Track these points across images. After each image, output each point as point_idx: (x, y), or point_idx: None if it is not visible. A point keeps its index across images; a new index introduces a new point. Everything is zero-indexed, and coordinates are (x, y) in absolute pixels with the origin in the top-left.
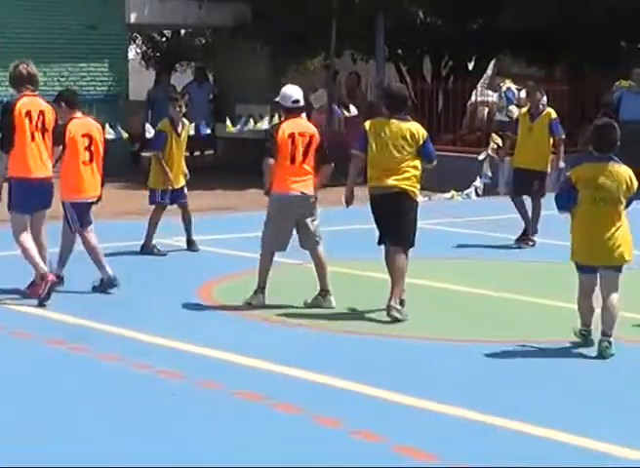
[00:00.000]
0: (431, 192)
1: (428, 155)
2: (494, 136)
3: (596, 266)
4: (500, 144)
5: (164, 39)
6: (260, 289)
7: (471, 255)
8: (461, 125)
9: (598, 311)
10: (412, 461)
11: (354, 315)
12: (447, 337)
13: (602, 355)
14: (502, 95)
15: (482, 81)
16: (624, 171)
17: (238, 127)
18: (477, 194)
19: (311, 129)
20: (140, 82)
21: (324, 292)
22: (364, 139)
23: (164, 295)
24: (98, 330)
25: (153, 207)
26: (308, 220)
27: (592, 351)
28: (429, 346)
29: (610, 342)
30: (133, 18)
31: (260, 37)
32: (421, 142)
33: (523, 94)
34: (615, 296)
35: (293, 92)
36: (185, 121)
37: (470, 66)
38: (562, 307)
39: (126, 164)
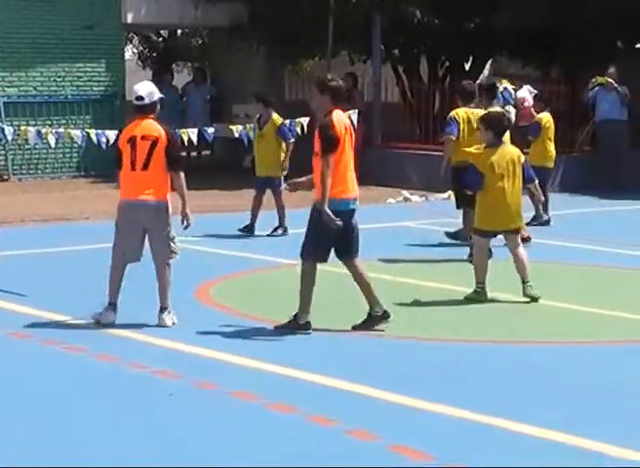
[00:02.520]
0: (428, 192)
1: None
2: None
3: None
4: None
5: (160, 39)
6: (111, 305)
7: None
8: None
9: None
10: (407, 461)
11: (349, 315)
12: (442, 338)
13: (534, 298)
14: (499, 95)
15: (479, 81)
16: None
17: (240, 129)
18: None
19: (156, 131)
20: (137, 82)
21: (163, 308)
22: (457, 126)
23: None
24: (94, 330)
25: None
26: (155, 232)
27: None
28: (424, 346)
29: (531, 285)
30: (129, 18)
31: (257, 37)
32: None
33: (520, 94)
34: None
35: (139, 87)
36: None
37: (467, 66)
38: (560, 308)
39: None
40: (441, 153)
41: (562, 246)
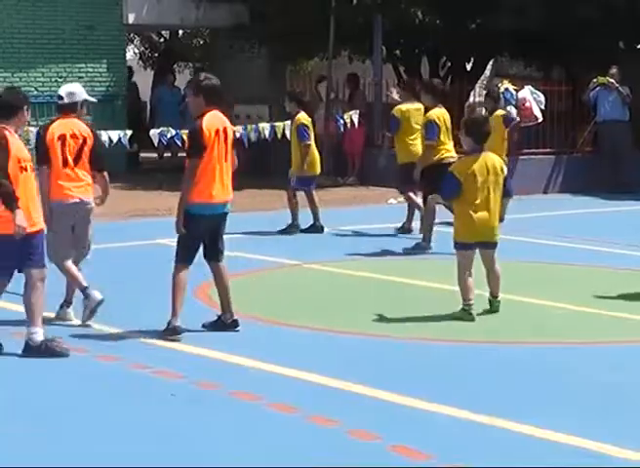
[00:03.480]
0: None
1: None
2: None
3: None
4: None
5: (162, 40)
6: (67, 302)
7: None
8: (459, 125)
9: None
10: (407, 461)
11: (352, 315)
12: (443, 338)
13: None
14: (500, 95)
15: (480, 82)
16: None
17: (241, 130)
18: None
19: (85, 130)
20: (138, 83)
21: (67, 302)
22: (437, 129)
23: (161, 295)
24: (95, 330)
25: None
26: (82, 227)
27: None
28: (425, 346)
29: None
30: (131, 18)
31: (258, 37)
32: None
33: (521, 94)
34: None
35: (63, 87)
36: None
37: (468, 67)
38: (561, 308)
39: (123, 164)
40: None
41: (563, 246)
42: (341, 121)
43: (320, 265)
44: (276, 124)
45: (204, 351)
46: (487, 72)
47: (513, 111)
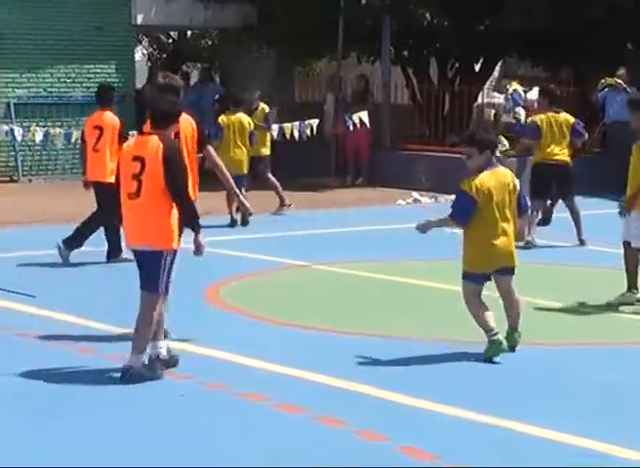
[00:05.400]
0: (438, 194)
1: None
2: (501, 137)
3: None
4: (508, 146)
5: (170, 40)
6: None
7: None
8: (468, 126)
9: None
10: (414, 461)
11: (358, 316)
12: (453, 339)
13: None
14: (509, 96)
15: (489, 83)
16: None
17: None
18: None
19: None
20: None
21: None
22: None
23: (170, 296)
24: (103, 330)
25: None
26: None
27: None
28: (432, 347)
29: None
30: (139, 19)
31: (267, 38)
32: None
33: (530, 95)
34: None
35: None
36: None
37: (477, 68)
38: (572, 309)
39: None
40: (448, 154)
41: (571, 247)
42: (350, 122)
43: (327, 266)
44: (284, 125)
45: (212, 352)
46: (495, 73)
47: (522, 112)
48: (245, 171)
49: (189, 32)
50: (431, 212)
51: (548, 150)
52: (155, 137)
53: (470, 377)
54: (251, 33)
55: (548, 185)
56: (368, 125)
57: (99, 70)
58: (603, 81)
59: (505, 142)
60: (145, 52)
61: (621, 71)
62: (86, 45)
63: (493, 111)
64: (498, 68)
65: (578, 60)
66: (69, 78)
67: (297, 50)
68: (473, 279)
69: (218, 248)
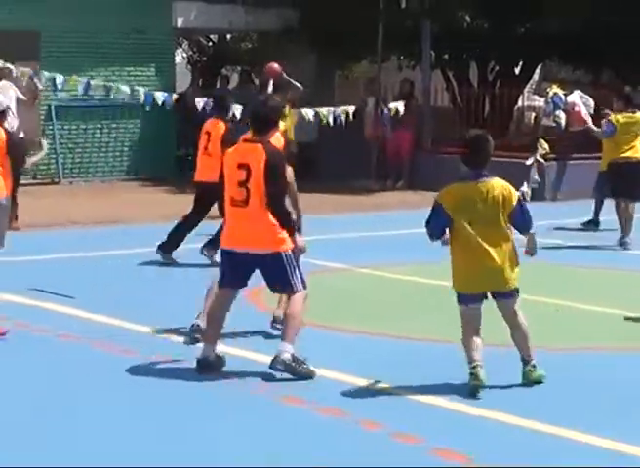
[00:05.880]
0: None
1: None
2: (541, 141)
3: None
4: (548, 149)
5: (210, 43)
6: None
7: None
8: (508, 130)
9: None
10: (449, 462)
11: (400, 319)
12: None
13: (537, 382)
14: (549, 100)
15: (529, 86)
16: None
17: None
18: (524, 199)
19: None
20: (187, 86)
21: None
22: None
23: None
24: (145, 333)
25: None
26: None
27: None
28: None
29: (534, 364)
30: (180, 22)
31: (307, 41)
32: None
33: (570, 98)
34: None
35: None
36: None
37: (517, 71)
38: (609, 314)
39: (171, 167)
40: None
41: (616, 251)
42: (387, 112)
43: (369, 269)
44: (320, 110)
45: (253, 355)
46: (535, 76)
47: (562, 116)
48: None
49: (229, 35)
50: None
51: (622, 149)
52: (260, 146)
53: (509, 381)
54: (291, 36)
55: (623, 183)
56: (401, 112)
57: (139, 73)
58: None
59: (546, 146)
60: (185, 55)
61: None
62: (126, 48)
63: (533, 114)
64: (538, 71)
65: (619, 63)
66: (110, 81)
67: (336, 53)
68: (461, 300)
69: None
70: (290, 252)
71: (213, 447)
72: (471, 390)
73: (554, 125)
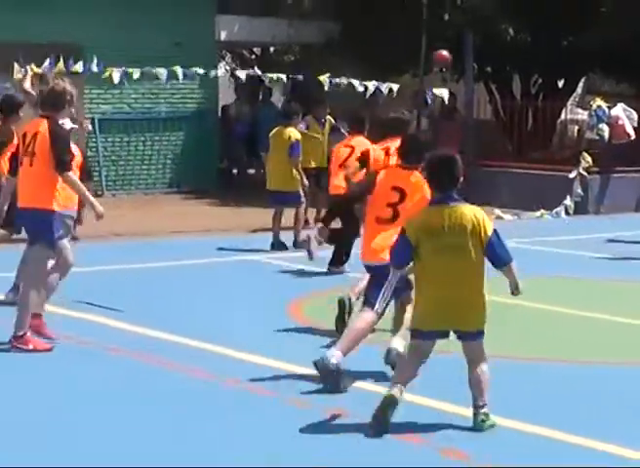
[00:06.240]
0: (521, 211)
1: None
2: (584, 154)
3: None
4: (591, 162)
5: (253, 56)
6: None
7: (558, 274)
8: (551, 143)
9: None
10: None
11: None
12: (511, 355)
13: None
14: (593, 113)
15: (572, 99)
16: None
17: None
18: (567, 213)
19: None
20: (229, 99)
21: None
22: None
23: (255, 311)
24: (188, 346)
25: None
26: None
27: None
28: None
29: (487, 414)
30: (223, 35)
31: (349, 53)
32: None
33: (614, 112)
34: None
35: None
36: None
37: (560, 84)
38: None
39: (213, 180)
40: (532, 171)
41: None
42: (431, 94)
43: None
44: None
45: (293, 367)
46: (579, 89)
47: (606, 129)
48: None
49: (272, 48)
50: (513, 228)
51: None
52: (417, 173)
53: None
54: (333, 49)
55: None
56: (446, 101)
57: (182, 86)
58: None
59: (589, 159)
60: (228, 68)
61: None
62: (170, 60)
63: (576, 127)
64: (581, 84)
65: None
66: (153, 94)
67: (378, 65)
68: (416, 335)
69: (297, 263)
70: None
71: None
72: (380, 406)
73: (597, 138)
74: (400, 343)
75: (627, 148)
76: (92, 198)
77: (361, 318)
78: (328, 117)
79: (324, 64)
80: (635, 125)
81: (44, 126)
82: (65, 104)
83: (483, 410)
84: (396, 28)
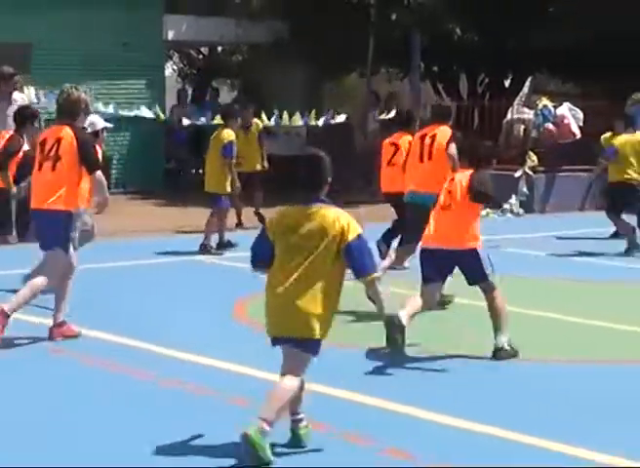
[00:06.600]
0: None
1: None
2: (530, 153)
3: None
4: (537, 162)
5: (200, 56)
6: None
7: (504, 273)
8: (497, 142)
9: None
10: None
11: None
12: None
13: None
14: (539, 112)
15: (518, 98)
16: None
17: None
18: (512, 212)
19: None
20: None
21: None
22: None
23: (199, 311)
24: (129, 347)
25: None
26: None
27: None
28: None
29: (263, 430)
30: (170, 35)
31: (296, 53)
32: None
33: (559, 111)
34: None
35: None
36: None
37: (507, 83)
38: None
39: (160, 181)
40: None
41: (595, 263)
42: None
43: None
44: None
45: (235, 367)
46: (525, 89)
47: (552, 128)
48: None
49: (220, 48)
50: None
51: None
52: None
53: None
54: (281, 49)
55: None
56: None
57: (129, 86)
58: (634, 96)
59: (535, 158)
60: (176, 67)
61: None
62: (116, 60)
63: (522, 127)
64: (527, 84)
65: (609, 76)
66: (100, 94)
67: (326, 65)
68: (271, 341)
69: (239, 262)
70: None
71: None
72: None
73: (541, 137)
74: (404, 312)
75: (573, 147)
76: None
77: (496, 295)
78: (255, 121)
79: (272, 64)
80: (581, 124)
81: (66, 132)
82: (81, 112)
83: (254, 435)
84: (344, 28)
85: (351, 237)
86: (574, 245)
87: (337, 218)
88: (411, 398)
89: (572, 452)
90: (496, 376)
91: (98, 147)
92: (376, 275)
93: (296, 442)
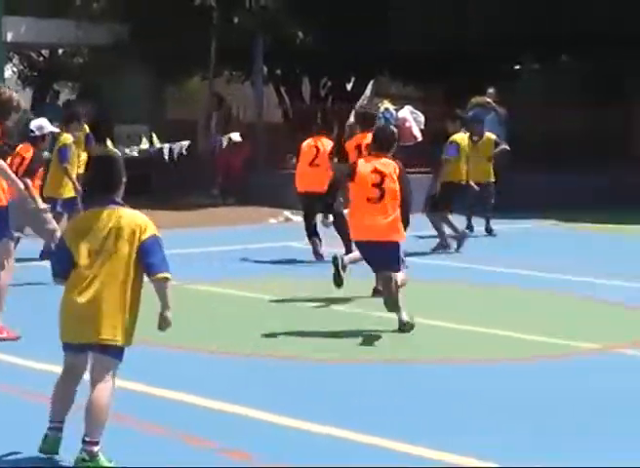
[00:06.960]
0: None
1: None
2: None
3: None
4: None
5: (41, 58)
6: None
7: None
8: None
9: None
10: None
11: (237, 335)
12: (333, 359)
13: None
14: (380, 115)
15: (360, 101)
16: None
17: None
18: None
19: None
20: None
21: None
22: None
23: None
24: (22, 366)
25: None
26: None
27: None
28: (311, 367)
29: (92, 453)
30: (9, 36)
31: (138, 56)
32: None
33: (401, 114)
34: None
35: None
36: None
37: (349, 87)
38: (447, 328)
39: None
40: None
41: (440, 264)
42: (221, 142)
43: (195, 285)
44: (165, 145)
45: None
46: (367, 92)
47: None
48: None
49: (61, 50)
50: (292, 230)
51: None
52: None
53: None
54: (121, 51)
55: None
56: (238, 143)
57: None
58: (473, 100)
59: None
60: (16, 70)
61: (491, 90)
62: None
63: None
64: (370, 87)
65: (448, 80)
66: None
67: (168, 69)
68: (63, 347)
69: None
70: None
71: None
72: (44, 452)
73: None
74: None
75: (414, 150)
76: None
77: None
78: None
79: (113, 67)
80: (422, 127)
81: None
82: (11, 112)
83: (88, 448)
84: (186, 30)
85: (145, 237)
86: (416, 247)
87: (134, 220)
88: (250, 399)
89: (417, 453)
90: (344, 377)
91: (37, 150)
92: (167, 275)
93: (52, 447)
